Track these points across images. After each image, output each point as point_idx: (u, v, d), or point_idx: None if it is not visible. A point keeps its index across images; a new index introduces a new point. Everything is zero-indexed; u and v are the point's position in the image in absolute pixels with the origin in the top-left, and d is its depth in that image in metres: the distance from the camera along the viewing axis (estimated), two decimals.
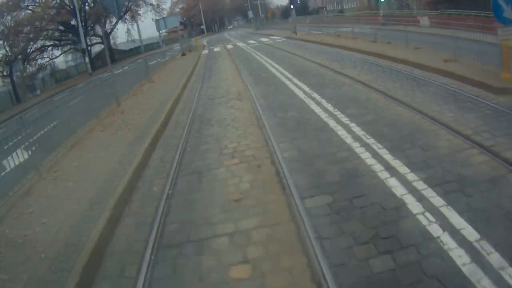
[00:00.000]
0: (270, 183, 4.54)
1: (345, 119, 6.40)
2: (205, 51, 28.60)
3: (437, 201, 3.63)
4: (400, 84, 8.40)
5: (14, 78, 29.54)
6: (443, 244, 3.03)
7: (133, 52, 45.53)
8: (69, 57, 43.73)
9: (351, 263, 2.98)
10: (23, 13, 33.50)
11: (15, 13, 31.95)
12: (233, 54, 22.15)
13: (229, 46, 28.87)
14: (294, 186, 4.24)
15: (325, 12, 65.19)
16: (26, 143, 6.16)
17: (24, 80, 30.51)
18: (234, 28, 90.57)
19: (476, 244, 2.97)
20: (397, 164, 4.48)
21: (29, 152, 6.22)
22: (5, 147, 5.61)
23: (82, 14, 36.22)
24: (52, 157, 6.68)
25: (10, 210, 4.80)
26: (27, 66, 32.59)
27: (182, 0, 76.98)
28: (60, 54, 40.24)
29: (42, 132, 6.98)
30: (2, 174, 5.56)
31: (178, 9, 74.40)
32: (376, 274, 2.84)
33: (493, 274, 2.66)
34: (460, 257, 2.87)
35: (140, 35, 17.79)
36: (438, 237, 3.13)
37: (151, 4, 46.63)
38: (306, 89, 9.21)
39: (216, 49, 29.10)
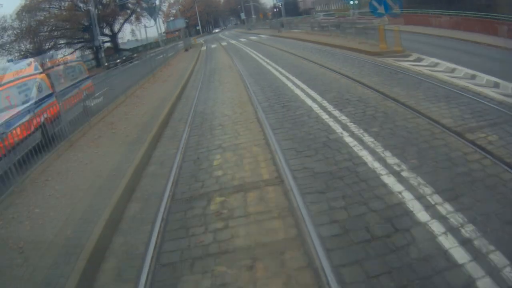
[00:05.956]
0: (245, 98, 10.22)
1: (283, 71, 12.22)
2: (204, 48, 34.24)
3: (314, 95, 9.33)
4: (321, 56, 14.28)
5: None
6: (318, 113, 8.72)
7: (137, 50, 51.10)
8: (77, 53, 49.17)
9: (272, 116, 8.68)
10: (39, 13, 39.01)
11: (39, 14, 37.40)
12: (227, 48, 27.88)
13: (224, 43, 34.51)
14: (256, 98, 9.90)
15: (314, 13, 71.04)
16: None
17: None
18: (227, 28, 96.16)
19: (337, 117, 8.67)
20: (303, 86, 10.19)
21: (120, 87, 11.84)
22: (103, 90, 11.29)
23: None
24: (127, 92, 12.41)
25: (114, 109, 10.54)
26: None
27: (178, 2, 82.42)
28: (74, 51, 45.61)
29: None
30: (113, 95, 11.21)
31: (174, 11, 79.78)
32: (285, 127, 8.52)
33: (341, 124, 7.99)
34: (326, 119, 8.37)
35: (158, 32, 23.20)
36: (316, 107, 8.85)
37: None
38: (272, 63, 14.99)
39: (213, 46, 34.75)
